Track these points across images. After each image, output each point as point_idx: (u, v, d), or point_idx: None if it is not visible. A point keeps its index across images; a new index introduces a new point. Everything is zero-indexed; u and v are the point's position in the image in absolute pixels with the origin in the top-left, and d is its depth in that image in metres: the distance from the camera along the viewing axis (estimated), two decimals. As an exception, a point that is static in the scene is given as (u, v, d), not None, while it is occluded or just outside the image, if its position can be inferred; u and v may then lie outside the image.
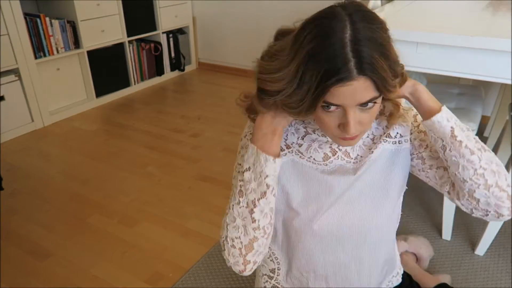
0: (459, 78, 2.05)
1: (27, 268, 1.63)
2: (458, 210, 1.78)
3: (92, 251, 1.71)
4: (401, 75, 0.71)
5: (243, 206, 0.75)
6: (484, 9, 1.66)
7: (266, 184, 0.74)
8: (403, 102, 0.82)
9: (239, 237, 0.76)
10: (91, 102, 3.15)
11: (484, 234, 1.59)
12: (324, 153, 0.80)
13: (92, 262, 1.65)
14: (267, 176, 0.73)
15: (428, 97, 0.77)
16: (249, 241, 0.75)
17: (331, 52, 0.60)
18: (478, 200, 0.74)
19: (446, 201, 1.64)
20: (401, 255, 1.50)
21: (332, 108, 0.66)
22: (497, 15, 1.57)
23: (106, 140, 2.67)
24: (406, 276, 1.04)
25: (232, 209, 0.76)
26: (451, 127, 0.74)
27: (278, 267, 0.90)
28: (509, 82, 1.26)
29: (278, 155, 0.75)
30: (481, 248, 1.62)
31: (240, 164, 0.80)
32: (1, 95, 2.57)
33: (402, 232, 1.73)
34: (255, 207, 0.74)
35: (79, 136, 2.73)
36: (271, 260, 0.90)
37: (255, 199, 0.74)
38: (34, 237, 1.79)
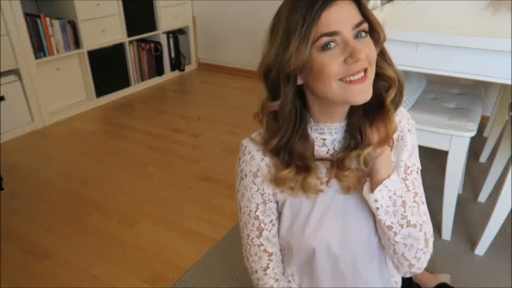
0: (459, 78, 2.05)
1: (27, 268, 1.63)
2: (458, 210, 1.78)
3: (92, 251, 1.71)
4: (381, 33, 0.72)
5: None
6: (484, 9, 1.66)
7: None
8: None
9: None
10: (91, 102, 3.15)
11: (484, 234, 1.59)
12: (327, 168, 0.80)
13: (91, 262, 1.65)
14: None
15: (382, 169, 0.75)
16: None
17: None
18: (385, 250, 0.84)
19: (446, 201, 1.64)
20: None
21: (332, 44, 0.66)
22: (497, 15, 1.57)
23: (106, 140, 2.67)
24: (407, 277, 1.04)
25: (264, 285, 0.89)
26: (376, 207, 0.75)
27: (291, 278, 0.91)
28: (509, 82, 1.26)
29: None
30: (481, 248, 1.62)
31: (247, 207, 0.83)
32: (1, 95, 2.57)
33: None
34: None
35: (79, 136, 2.73)
36: (289, 281, 0.92)
37: None
38: (33, 237, 1.79)
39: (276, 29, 0.70)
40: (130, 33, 3.29)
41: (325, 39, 0.66)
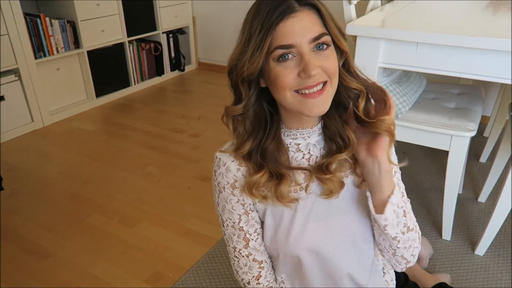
0: (459, 78, 2.05)
1: (27, 268, 1.63)
2: (458, 210, 1.78)
3: (92, 251, 1.71)
4: (342, 35, 0.71)
5: None
6: (484, 9, 1.66)
7: None
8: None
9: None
10: (91, 102, 3.15)
11: (484, 234, 1.59)
12: (305, 173, 0.78)
13: (91, 262, 1.65)
14: None
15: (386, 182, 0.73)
16: None
17: (272, 1, 0.65)
18: (383, 253, 0.83)
19: (446, 201, 1.64)
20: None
21: (288, 55, 0.65)
22: (497, 15, 1.57)
23: (106, 140, 2.67)
24: (402, 275, 1.03)
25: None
26: (385, 225, 0.74)
27: (282, 280, 0.89)
28: (509, 82, 1.26)
29: None
30: (481, 248, 1.62)
31: (230, 219, 0.82)
32: (1, 95, 2.57)
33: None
34: None
35: (79, 136, 2.73)
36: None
37: None
38: (34, 237, 1.79)
39: (243, 29, 0.70)
40: (130, 33, 3.29)
41: (280, 51, 0.65)
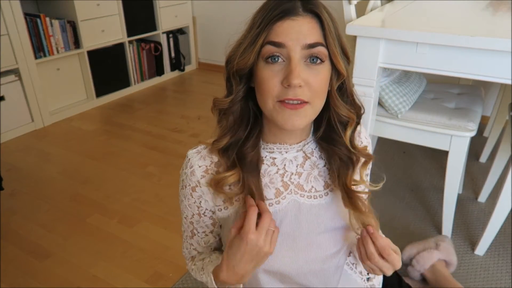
0: (459, 78, 2.05)
1: (27, 268, 1.63)
2: (458, 210, 1.78)
3: (92, 251, 1.71)
4: (347, 59, 0.69)
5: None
6: (484, 9, 1.66)
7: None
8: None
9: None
10: (91, 102, 3.15)
11: (484, 234, 1.59)
12: (276, 188, 0.75)
13: (92, 262, 1.65)
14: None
15: None
16: None
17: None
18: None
19: (446, 201, 1.64)
20: (433, 264, 1.48)
21: (276, 56, 0.63)
22: (497, 15, 1.57)
23: (106, 140, 2.67)
24: (395, 277, 1.02)
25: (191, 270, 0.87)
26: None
27: None
28: (509, 82, 1.26)
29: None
30: (481, 248, 1.62)
31: (185, 212, 0.82)
32: (1, 95, 2.57)
33: (403, 233, 1.73)
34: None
35: (79, 136, 2.73)
36: None
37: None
38: (34, 237, 1.79)
39: (249, 21, 0.68)
40: (130, 33, 3.29)
41: (269, 48, 0.63)
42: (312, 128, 0.77)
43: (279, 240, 0.72)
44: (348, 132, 0.72)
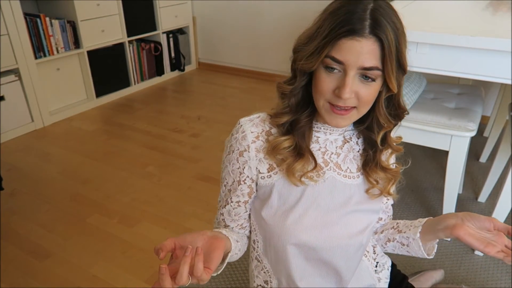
0: (459, 78, 2.05)
1: (27, 268, 1.63)
2: (458, 210, 1.78)
3: (92, 251, 1.71)
4: (403, 71, 0.73)
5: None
6: (484, 9, 1.66)
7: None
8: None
9: None
10: (91, 102, 3.15)
11: (484, 234, 1.58)
12: (317, 164, 0.81)
13: (92, 262, 1.65)
14: None
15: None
16: None
17: (352, 9, 0.67)
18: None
19: (446, 201, 1.64)
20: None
21: (335, 68, 0.69)
22: (497, 15, 1.57)
23: (106, 140, 2.67)
24: (400, 276, 1.03)
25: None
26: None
27: (270, 280, 0.90)
28: (509, 82, 1.26)
29: None
30: (481, 248, 1.62)
31: (226, 179, 0.86)
32: (1, 95, 2.57)
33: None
34: None
35: (79, 136, 2.73)
36: (264, 272, 0.91)
37: None
38: (34, 237, 1.79)
39: (319, 18, 0.71)
40: (130, 33, 3.29)
41: (329, 61, 0.69)
42: None
43: (312, 213, 0.80)
44: (381, 133, 0.80)
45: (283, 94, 0.79)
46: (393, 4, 1.92)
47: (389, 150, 0.85)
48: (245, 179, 0.84)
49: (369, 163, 0.83)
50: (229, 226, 0.90)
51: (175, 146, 2.56)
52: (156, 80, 3.67)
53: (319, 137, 0.83)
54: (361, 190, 0.84)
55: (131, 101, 3.31)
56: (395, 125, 0.81)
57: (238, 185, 0.85)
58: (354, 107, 0.72)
